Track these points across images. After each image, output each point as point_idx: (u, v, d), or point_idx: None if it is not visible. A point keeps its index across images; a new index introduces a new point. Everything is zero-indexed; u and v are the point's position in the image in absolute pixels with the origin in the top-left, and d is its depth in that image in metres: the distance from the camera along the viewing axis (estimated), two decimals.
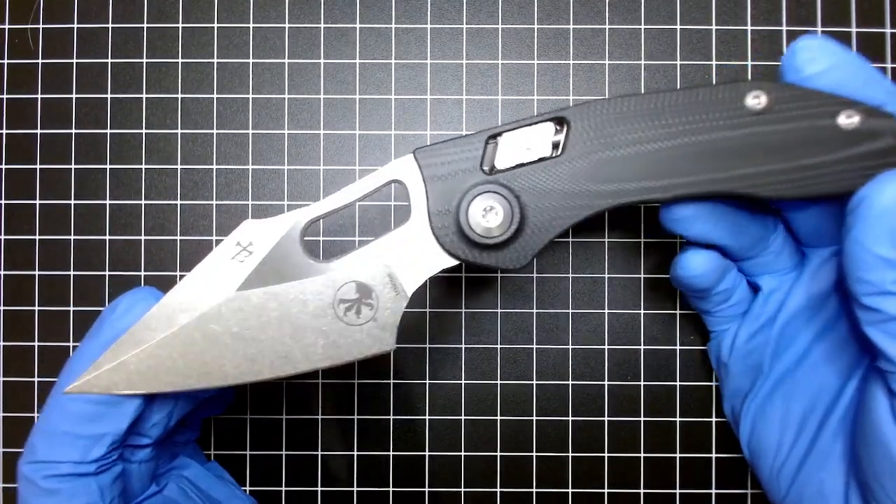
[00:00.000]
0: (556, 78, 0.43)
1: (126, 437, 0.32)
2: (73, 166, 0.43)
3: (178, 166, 0.43)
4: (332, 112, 0.43)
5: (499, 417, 0.43)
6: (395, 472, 0.43)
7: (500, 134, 0.31)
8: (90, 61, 0.43)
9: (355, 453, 0.43)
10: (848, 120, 0.28)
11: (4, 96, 0.43)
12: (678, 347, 0.43)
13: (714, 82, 0.43)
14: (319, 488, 0.43)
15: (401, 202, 0.43)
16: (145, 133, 0.43)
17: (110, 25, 0.43)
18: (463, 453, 0.43)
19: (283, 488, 0.43)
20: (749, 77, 0.42)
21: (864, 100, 0.28)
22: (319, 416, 0.43)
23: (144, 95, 0.43)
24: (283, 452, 0.43)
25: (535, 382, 0.43)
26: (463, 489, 0.43)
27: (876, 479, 0.29)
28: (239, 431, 0.43)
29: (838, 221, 0.29)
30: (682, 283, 0.36)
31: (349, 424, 0.43)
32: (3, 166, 0.43)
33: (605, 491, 0.43)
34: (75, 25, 0.43)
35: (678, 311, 0.43)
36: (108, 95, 0.43)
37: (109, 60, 0.43)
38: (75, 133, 0.43)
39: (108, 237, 0.43)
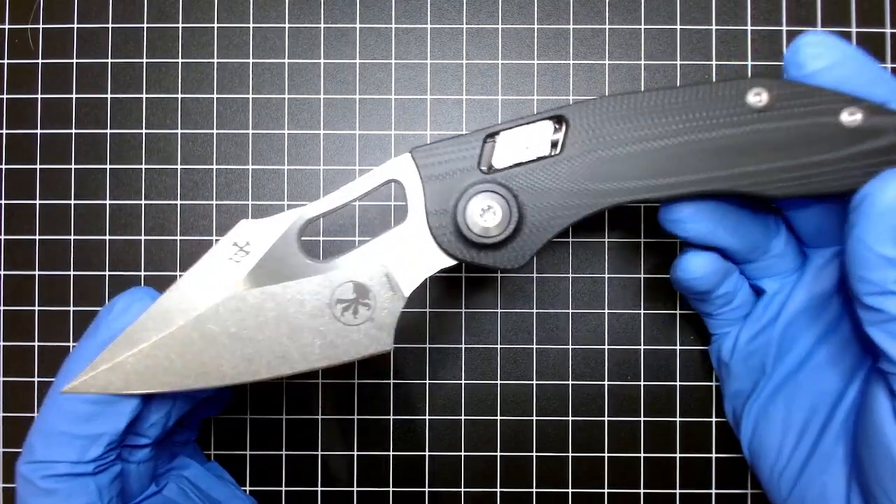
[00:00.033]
0: (556, 78, 0.43)
1: (124, 437, 0.31)
2: (73, 166, 0.42)
3: (178, 166, 0.42)
4: (332, 112, 0.43)
5: (499, 417, 0.43)
6: (395, 472, 0.43)
7: (498, 133, 0.30)
8: (90, 61, 0.43)
9: (355, 453, 0.43)
10: (851, 117, 0.27)
11: (4, 96, 0.42)
12: (678, 347, 0.42)
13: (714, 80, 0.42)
14: (319, 488, 0.43)
15: (401, 202, 0.42)
16: (145, 133, 0.43)
17: (110, 25, 0.43)
18: (463, 453, 0.43)
19: (283, 488, 0.43)
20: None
21: (867, 97, 0.28)
22: (319, 416, 0.43)
23: (144, 95, 0.43)
24: (283, 452, 0.43)
25: (535, 382, 0.43)
26: (463, 489, 0.43)
27: (878, 481, 0.28)
28: (239, 431, 0.43)
29: (841, 220, 0.29)
30: (682, 285, 0.35)
31: (349, 424, 0.43)
32: (3, 166, 0.42)
33: (605, 491, 0.42)
34: (75, 25, 0.43)
35: (678, 311, 0.42)
36: (108, 95, 0.43)
37: (109, 60, 0.43)
38: (75, 133, 0.42)
39: (108, 237, 0.42)
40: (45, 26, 0.43)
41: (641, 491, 0.42)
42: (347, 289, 0.30)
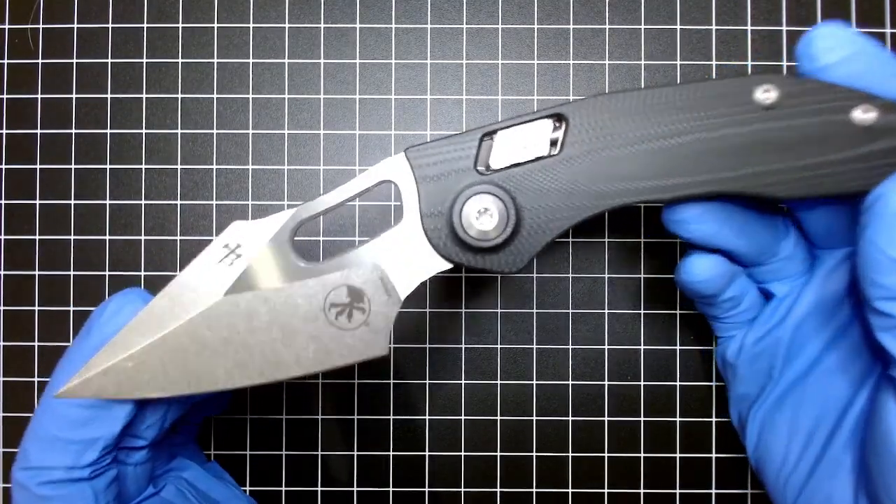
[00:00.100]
0: (556, 78, 0.41)
1: (120, 441, 0.30)
2: (73, 166, 0.41)
3: (178, 166, 0.41)
4: (332, 112, 0.41)
5: (499, 417, 0.41)
6: (395, 472, 0.41)
7: (495, 132, 0.27)
8: (90, 61, 0.41)
9: (355, 453, 0.41)
10: (864, 115, 0.25)
11: (4, 96, 0.41)
12: (678, 347, 0.41)
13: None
14: (319, 488, 0.41)
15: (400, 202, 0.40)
16: (145, 133, 0.41)
17: (110, 25, 0.41)
18: (463, 453, 0.41)
19: (283, 488, 0.41)
20: None
21: (883, 94, 0.25)
22: (319, 416, 0.41)
23: (144, 95, 0.41)
24: (283, 452, 0.41)
25: (535, 382, 0.41)
26: (463, 489, 0.41)
27: (886, 490, 0.26)
28: (239, 431, 0.41)
29: (852, 220, 0.26)
30: (687, 288, 0.32)
31: (349, 424, 0.41)
32: (3, 166, 0.41)
33: (605, 491, 0.41)
34: (75, 25, 0.41)
35: (678, 311, 0.41)
36: (108, 95, 0.41)
37: (109, 60, 0.41)
38: (75, 133, 0.41)
39: (108, 237, 0.41)
40: (45, 26, 0.41)
41: (641, 491, 0.41)
42: (341, 293, 0.28)
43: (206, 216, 0.41)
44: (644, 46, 0.41)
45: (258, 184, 0.41)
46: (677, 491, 0.41)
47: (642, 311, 0.41)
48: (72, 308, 0.41)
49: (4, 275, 0.41)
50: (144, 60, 0.41)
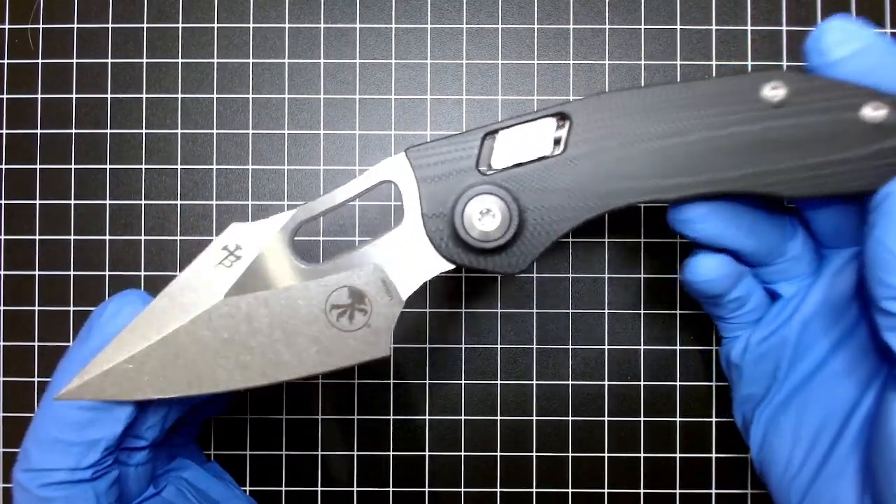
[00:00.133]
0: (556, 78, 0.40)
1: (121, 442, 0.29)
2: (73, 166, 0.40)
3: (178, 166, 0.40)
4: (332, 112, 0.40)
5: (499, 417, 0.40)
6: (395, 472, 0.40)
7: (497, 131, 0.27)
8: (90, 61, 0.40)
9: (355, 453, 0.40)
10: (874, 112, 0.24)
11: (4, 96, 0.40)
12: (678, 347, 0.40)
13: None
14: (319, 488, 0.40)
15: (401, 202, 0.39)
16: (145, 133, 0.40)
17: (110, 25, 0.40)
18: (463, 453, 0.40)
19: (283, 488, 0.40)
20: None
21: (893, 90, 0.24)
22: (319, 416, 0.40)
23: (144, 95, 0.40)
24: (283, 452, 0.40)
25: (535, 382, 0.40)
26: (463, 489, 0.40)
27: (892, 492, 0.25)
28: (239, 431, 0.40)
29: (861, 219, 0.26)
30: (692, 288, 0.31)
31: (349, 424, 0.40)
32: (3, 166, 0.40)
33: (605, 491, 0.40)
34: (75, 25, 0.40)
35: (678, 311, 0.40)
36: (108, 95, 0.40)
37: (109, 60, 0.40)
38: (75, 133, 0.40)
39: (108, 237, 0.40)
40: (45, 26, 0.40)
41: (641, 491, 0.40)
42: (342, 294, 0.27)
43: (206, 216, 0.40)
44: (644, 46, 0.40)
45: (258, 184, 0.40)
46: (677, 491, 0.40)
47: (642, 311, 0.40)
48: (72, 308, 0.40)
49: (4, 275, 0.40)
50: (144, 60, 0.40)
